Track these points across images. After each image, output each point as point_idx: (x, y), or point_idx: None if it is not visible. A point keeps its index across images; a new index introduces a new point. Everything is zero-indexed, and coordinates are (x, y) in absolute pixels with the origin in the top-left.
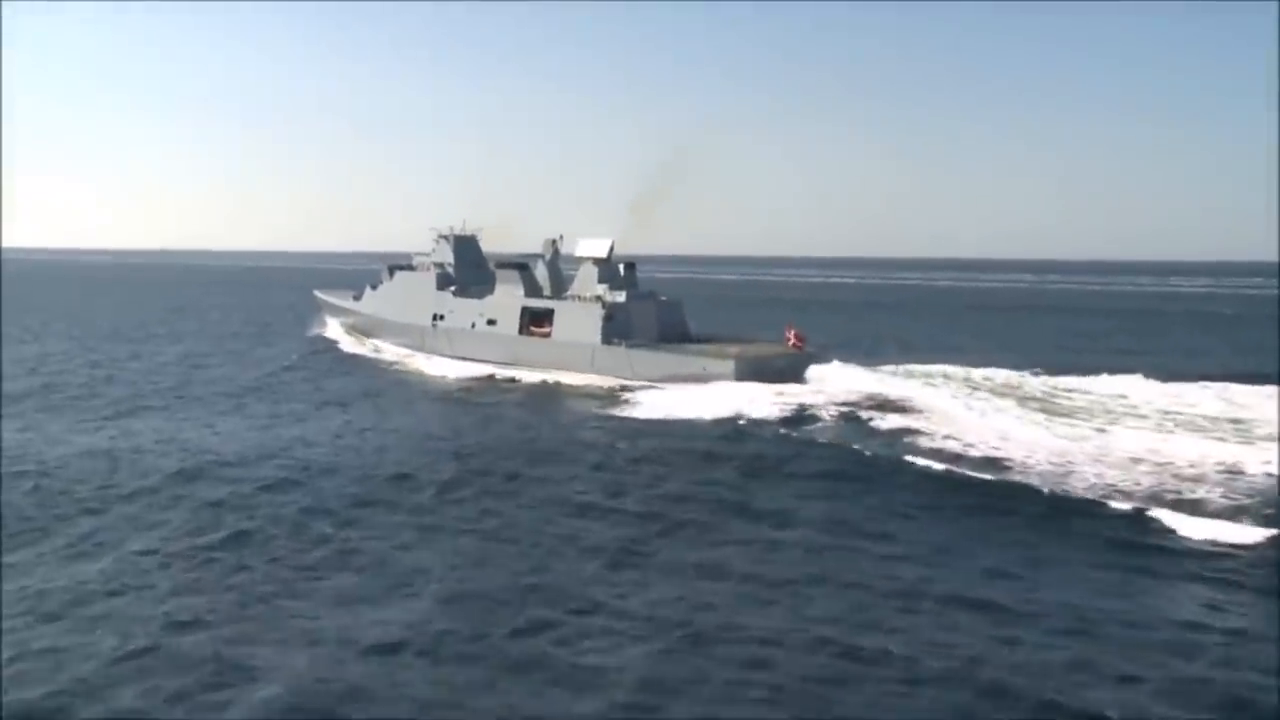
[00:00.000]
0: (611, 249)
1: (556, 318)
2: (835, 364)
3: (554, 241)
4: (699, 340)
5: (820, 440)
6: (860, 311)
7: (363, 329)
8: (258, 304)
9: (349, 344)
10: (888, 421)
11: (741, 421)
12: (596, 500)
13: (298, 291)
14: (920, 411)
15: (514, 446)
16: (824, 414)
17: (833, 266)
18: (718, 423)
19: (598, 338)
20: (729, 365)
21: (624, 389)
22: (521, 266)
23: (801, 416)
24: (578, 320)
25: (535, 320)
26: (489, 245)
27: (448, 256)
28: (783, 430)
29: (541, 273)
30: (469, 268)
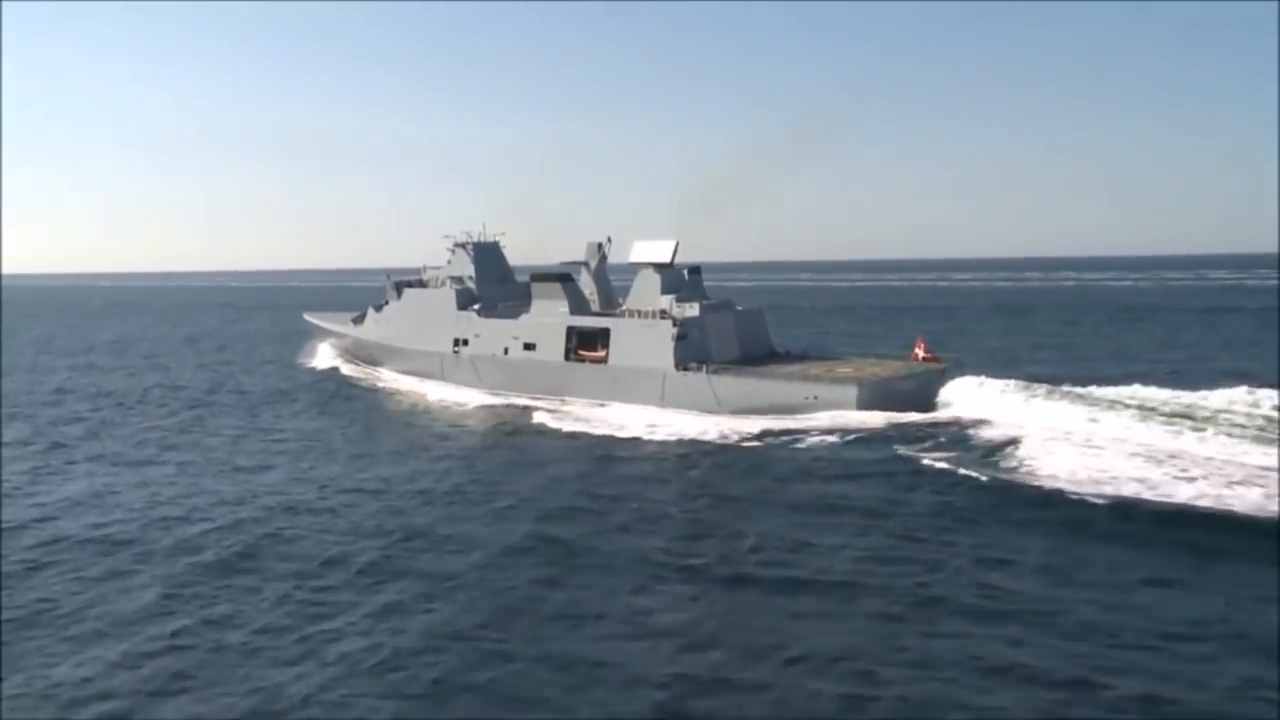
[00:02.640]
0: (675, 252)
1: (613, 338)
2: (980, 380)
3: (600, 245)
4: (788, 358)
5: None
6: (926, 316)
7: (367, 358)
8: (228, 331)
9: (379, 381)
10: None
11: None
12: None
13: (269, 312)
14: None
15: None
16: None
17: (842, 270)
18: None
19: (669, 361)
20: (850, 391)
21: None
22: (564, 278)
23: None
24: (641, 340)
25: (585, 342)
26: (513, 257)
27: (467, 268)
28: None
29: (586, 283)
30: (493, 281)
